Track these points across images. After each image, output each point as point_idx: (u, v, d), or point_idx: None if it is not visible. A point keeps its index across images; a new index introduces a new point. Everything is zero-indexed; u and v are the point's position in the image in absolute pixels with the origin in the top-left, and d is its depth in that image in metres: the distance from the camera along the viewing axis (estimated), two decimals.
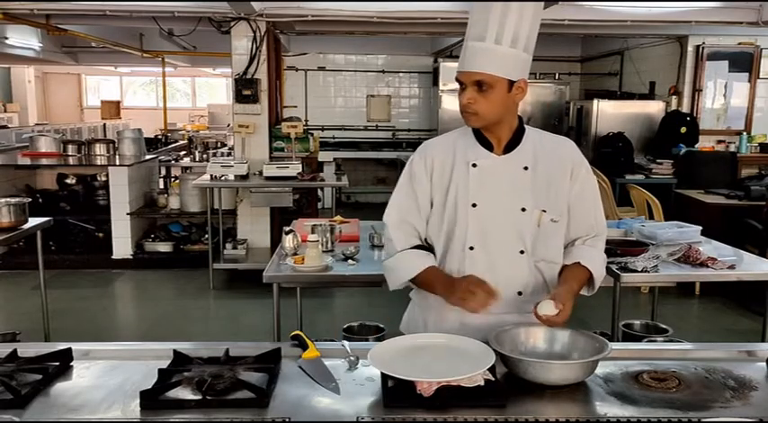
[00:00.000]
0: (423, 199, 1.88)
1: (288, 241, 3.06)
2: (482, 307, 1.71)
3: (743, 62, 7.30)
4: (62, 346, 1.74)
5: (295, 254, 2.98)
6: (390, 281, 1.94)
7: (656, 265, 2.95)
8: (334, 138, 10.03)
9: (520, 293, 1.85)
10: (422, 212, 1.89)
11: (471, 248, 1.83)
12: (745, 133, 7.31)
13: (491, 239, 1.83)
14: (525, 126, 1.89)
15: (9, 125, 11.64)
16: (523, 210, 1.82)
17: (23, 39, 8.65)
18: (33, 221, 3.96)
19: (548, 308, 1.70)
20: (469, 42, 1.75)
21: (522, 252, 1.84)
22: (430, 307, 1.93)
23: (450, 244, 1.86)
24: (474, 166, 1.83)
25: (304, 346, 1.75)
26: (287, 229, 3.19)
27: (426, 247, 1.91)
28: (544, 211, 1.83)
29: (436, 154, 1.88)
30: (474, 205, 1.81)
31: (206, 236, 6.40)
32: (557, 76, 9.61)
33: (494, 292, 1.72)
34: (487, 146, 1.85)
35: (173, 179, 8.22)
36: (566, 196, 1.87)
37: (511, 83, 1.75)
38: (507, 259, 1.83)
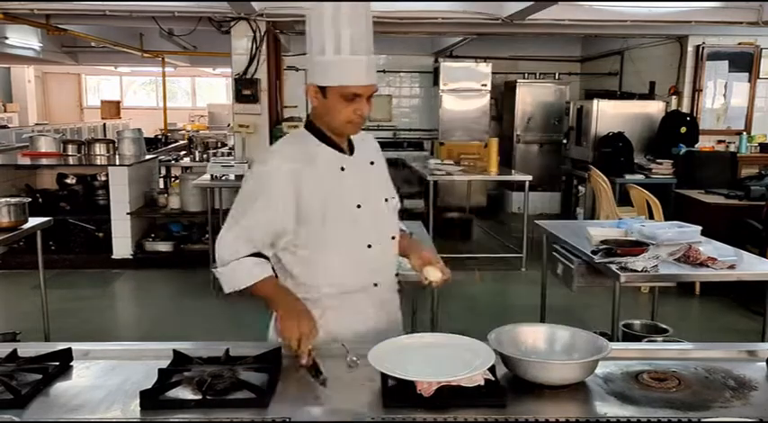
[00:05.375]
0: (280, 209, 1.82)
1: None
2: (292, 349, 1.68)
3: (743, 62, 7.30)
4: (62, 346, 1.74)
5: None
6: (225, 285, 1.86)
7: (656, 265, 2.94)
8: None
9: (397, 275, 2.07)
10: (275, 224, 1.84)
11: (369, 246, 1.92)
12: (745, 133, 7.31)
13: (379, 234, 1.95)
14: None
15: (9, 125, 11.65)
16: (386, 200, 1.98)
17: (23, 39, 8.66)
18: (33, 221, 3.96)
19: (436, 273, 1.93)
20: (355, 56, 1.78)
21: (393, 238, 2.01)
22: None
23: (344, 247, 1.88)
24: (343, 169, 1.90)
25: None
26: None
27: (262, 255, 1.85)
28: (394, 197, 2.02)
29: (296, 162, 1.84)
30: (359, 206, 1.89)
31: (206, 236, 6.39)
32: (557, 76, 9.61)
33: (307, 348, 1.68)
34: (336, 149, 1.91)
35: (173, 179, 8.23)
36: None
37: None
38: (389, 248, 2.00)
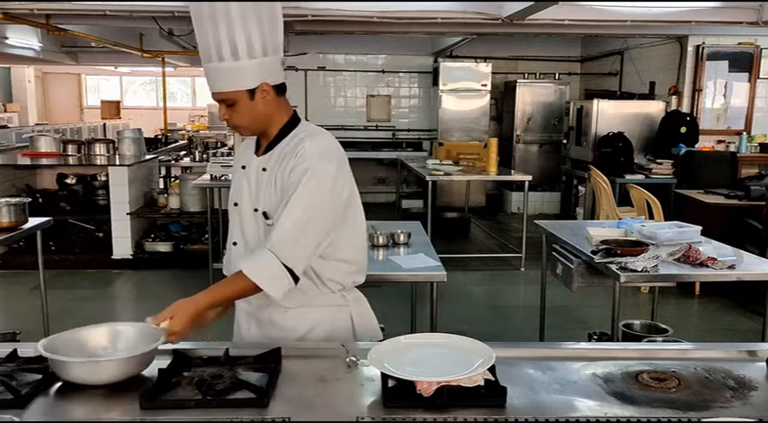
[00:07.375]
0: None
1: None
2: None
3: (743, 62, 7.30)
4: None
5: None
6: None
7: (656, 265, 2.94)
8: None
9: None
10: None
11: (235, 244, 1.97)
12: (745, 133, 7.32)
13: (246, 237, 1.94)
14: (302, 123, 1.93)
15: (9, 125, 11.66)
16: (255, 210, 1.90)
17: (23, 39, 8.66)
18: (33, 221, 3.96)
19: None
20: (204, 64, 1.82)
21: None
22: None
23: (229, 239, 2.02)
24: (243, 167, 1.96)
25: None
26: None
27: None
28: (264, 212, 1.86)
29: (238, 156, 2.07)
30: (235, 204, 1.96)
31: (206, 236, 6.39)
32: (557, 76, 9.61)
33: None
34: (258, 147, 1.97)
35: (173, 179, 8.23)
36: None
37: (251, 91, 1.80)
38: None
